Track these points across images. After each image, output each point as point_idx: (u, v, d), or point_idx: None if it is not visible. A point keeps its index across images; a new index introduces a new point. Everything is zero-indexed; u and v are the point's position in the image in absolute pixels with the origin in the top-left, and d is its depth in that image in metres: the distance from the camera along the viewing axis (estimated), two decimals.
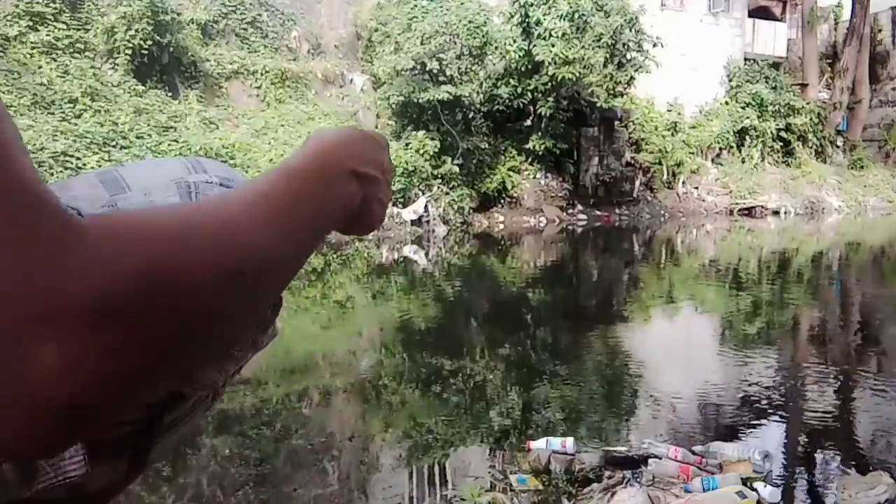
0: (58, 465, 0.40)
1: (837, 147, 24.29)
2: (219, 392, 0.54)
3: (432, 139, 14.71)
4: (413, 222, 14.47)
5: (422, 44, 14.77)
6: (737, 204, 20.26)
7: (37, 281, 0.27)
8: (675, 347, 6.16)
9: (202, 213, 0.36)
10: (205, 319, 0.33)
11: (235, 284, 0.34)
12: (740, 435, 3.67)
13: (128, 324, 0.29)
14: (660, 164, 19.59)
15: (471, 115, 16.38)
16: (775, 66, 24.16)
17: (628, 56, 17.00)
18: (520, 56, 16.22)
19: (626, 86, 18.02)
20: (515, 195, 16.98)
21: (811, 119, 22.92)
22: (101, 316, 0.28)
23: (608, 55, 16.47)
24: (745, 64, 23.35)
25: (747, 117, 21.63)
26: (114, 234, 0.30)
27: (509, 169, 16.81)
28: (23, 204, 0.28)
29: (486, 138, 17.00)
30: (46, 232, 0.28)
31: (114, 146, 12.31)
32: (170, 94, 14.70)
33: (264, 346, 0.53)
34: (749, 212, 20.10)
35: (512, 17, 16.47)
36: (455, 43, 15.07)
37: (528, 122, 17.55)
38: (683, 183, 20.14)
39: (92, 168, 11.45)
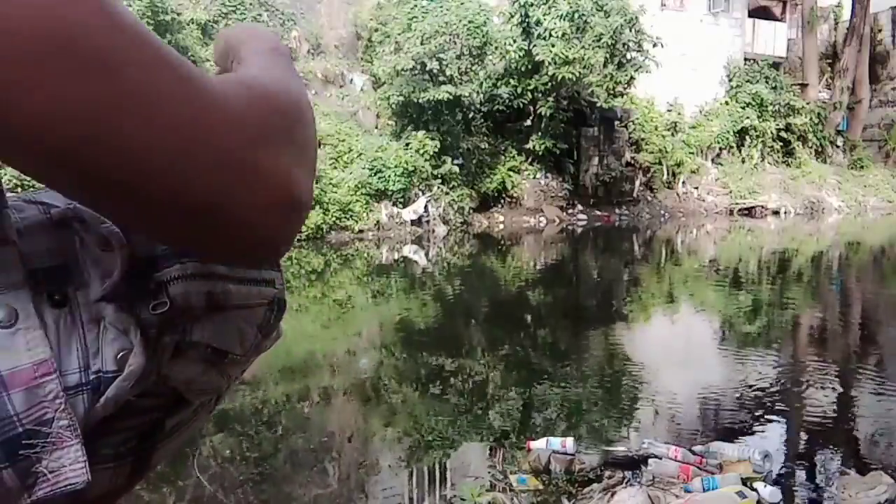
0: (59, 471, 0.40)
1: (837, 147, 24.27)
2: (221, 395, 0.54)
3: (432, 139, 14.71)
4: (413, 222, 14.46)
5: (422, 44, 14.75)
6: (737, 204, 20.25)
7: (238, 125, 0.37)
8: (675, 347, 6.16)
9: (269, 76, 0.46)
10: (312, 132, 0.45)
11: (309, 112, 0.46)
12: (740, 435, 3.67)
13: (298, 138, 0.41)
14: (660, 164, 19.59)
15: (471, 115, 16.37)
16: (775, 66, 24.14)
17: (628, 56, 16.99)
18: (520, 56, 16.21)
19: (626, 86, 17.99)
20: (515, 195, 16.97)
21: (811, 119, 22.89)
22: (281, 136, 0.40)
23: (608, 55, 16.45)
24: (745, 64, 23.33)
25: (747, 117, 21.61)
26: (238, 85, 0.41)
27: (509, 169, 16.80)
28: (197, 79, 0.37)
29: (486, 138, 16.98)
30: (214, 91, 0.38)
31: None
32: None
33: (266, 350, 0.53)
34: (749, 212, 20.09)
35: (512, 17, 16.46)
36: (455, 43, 15.06)
37: (528, 122, 17.54)
38: (683, 183, 20.14)
39: None
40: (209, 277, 0.46)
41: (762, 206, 20.31)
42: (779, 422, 4.00)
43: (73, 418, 0.40)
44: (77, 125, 0.32)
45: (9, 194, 0.44)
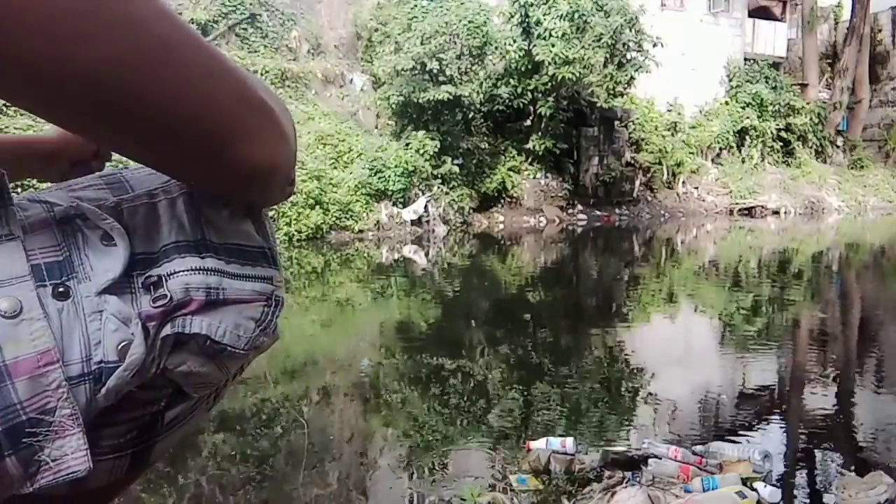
0: (61, 460, 0.40)
1: (837, 147, 24.27)
2: (220, 392, 0.54)
3: (432, 139, 14.70)
4: (413, 222, 14.46)
5: (422, 44, 14.75)
6: (737, 204, 20.25)
7: (246, 73, 0.46)
8: (676, 347, 6.16)
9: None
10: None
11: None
12: (740, 435, 3.67)
13: (278, 123, 0.48)
14: (660, 164, 19.59)
15: (471, 115, 16.37)
16: (775, 66, 24.14)
17: (628, 56, 16.98)
18: (520, 56, 16.21)
19: (626, 86, 17.98)
20: (515, 195, 16.97)
21: (811, 119, 22.90)
22: (264, 113, 0.46)
23: (608, 55, 16.45)
24: (745, 64, 23.33)
25: (747, 117, 21.61)
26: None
27: (509, 169, 16.80)
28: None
29: (486, 138, 16.98)
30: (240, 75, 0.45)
31: None
32: None
33: (266, 348, 0.53)
34: (749, 212, 20.09)
35: (512, 17, 16.46)
36: (455, 43, 15.06)
37: (528, 122, 17.54)
38: (683, 183, 20.14)
39: None
40: (208, 272, 0.47)
41: (762, 206, 20.31)
42: (779, 422, 4.01)
43: (75, 407, 0.41)
44: (121, 74, 0.37)
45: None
